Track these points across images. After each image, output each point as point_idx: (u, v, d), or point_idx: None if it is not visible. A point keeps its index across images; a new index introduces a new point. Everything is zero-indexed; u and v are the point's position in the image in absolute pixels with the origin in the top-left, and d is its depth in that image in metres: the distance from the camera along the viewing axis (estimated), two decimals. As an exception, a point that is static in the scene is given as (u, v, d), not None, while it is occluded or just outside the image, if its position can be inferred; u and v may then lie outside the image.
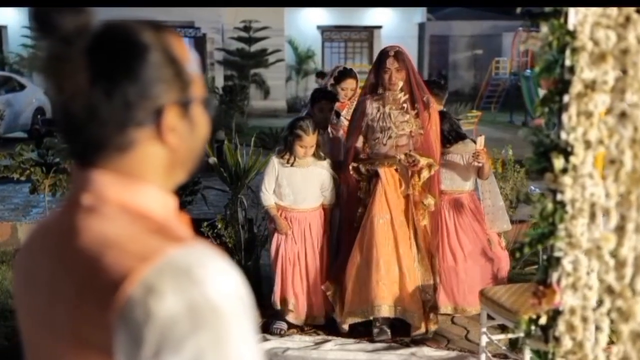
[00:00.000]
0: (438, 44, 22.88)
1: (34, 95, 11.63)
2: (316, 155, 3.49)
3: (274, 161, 3.49)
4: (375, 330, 3.37)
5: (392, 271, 3.33)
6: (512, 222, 4.37)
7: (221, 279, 0.66)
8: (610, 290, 1.21)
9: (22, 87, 11.61)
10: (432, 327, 3.39)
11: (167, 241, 0.68)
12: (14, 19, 17.59)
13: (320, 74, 10.47)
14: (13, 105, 10.89)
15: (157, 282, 0.64)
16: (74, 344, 0.69)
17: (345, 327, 3.41)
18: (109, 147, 0.73)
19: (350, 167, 3.46)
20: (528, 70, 13.85)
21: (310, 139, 3.41)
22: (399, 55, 3.43)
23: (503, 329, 3.20)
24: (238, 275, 0.68)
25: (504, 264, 3.74)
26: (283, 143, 3.54)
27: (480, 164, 3.55)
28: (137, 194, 0.74)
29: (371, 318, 3.36)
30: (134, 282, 0.64)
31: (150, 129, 0.73)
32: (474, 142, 3.61)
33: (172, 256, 0.66)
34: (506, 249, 3.92)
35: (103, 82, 0.71)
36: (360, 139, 3.50)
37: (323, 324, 3.52)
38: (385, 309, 3.31)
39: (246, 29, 15.62)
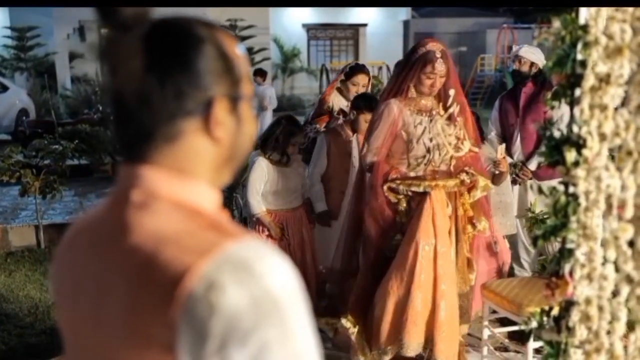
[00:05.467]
0: (422, 41, 22.96)
1: (17, 97, 11.46)
2: (296, 153, 3.43)
3: (263, 164, 3.32)
4: None
5: (427, 308, 2.78)
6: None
7: (279, 273, 0.67)
8: (629, 279, 1.24)
9: (4, 88, 11.42)
10: None
11: (223, 236, 0.69)
12: (-5, 19, 17.31)
13: (259, 72, 9.36)
14: (-4, 107, 10.74)
15: (218, 277, 0.64)
16: (130, 342, 0.69)
17: None
18: (157, 137, 0.73)
19: (386, 188, 2.83)
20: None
21: (301, 136, 3.42)
22: (445, 56, 2.81)
23: (502, 322, 3.24)
24: (292, 269, 0.69)
25: (507, 260, 3.75)
26: (273, 144, 3.34)
27: (503, 171, 3.24)
28: (189, 190, 0.74)
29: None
30: (195, 278, 0.65)
31: (198, 121, 0.74)
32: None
33: (230, 251, 0.67)
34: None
35: (157, 69, 0.72)
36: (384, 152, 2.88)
37: None
38: (413, 347, 2.80)
39: (232, 27, 15.56)
